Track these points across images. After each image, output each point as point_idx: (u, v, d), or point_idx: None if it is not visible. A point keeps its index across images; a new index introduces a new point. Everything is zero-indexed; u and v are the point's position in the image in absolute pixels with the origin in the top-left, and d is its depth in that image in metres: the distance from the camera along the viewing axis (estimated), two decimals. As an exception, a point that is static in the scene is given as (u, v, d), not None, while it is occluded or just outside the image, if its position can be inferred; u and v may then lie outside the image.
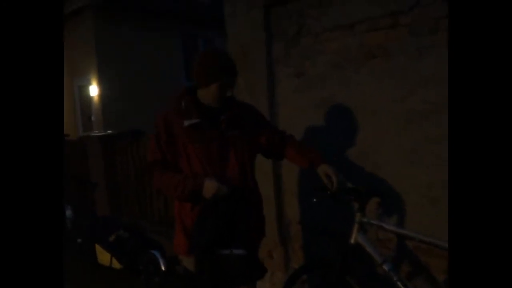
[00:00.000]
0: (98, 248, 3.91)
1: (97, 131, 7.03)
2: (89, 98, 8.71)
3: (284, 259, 2.90)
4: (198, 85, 1.92)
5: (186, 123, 1.86)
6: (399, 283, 1.92)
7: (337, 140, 2.48)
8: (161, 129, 1.89)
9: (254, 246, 2.04)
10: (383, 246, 2.31)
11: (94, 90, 8.40)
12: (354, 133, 2.39)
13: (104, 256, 3.85)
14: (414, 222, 2.18)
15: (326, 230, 2.56)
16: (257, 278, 1.91)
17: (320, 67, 2.51)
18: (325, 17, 2.44)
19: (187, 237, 1.92)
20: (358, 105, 2.35)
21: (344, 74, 2.40)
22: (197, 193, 1.81)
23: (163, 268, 3.37)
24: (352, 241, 2.04)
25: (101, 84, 8.30)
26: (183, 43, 9.67)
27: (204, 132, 1.88)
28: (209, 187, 1.78)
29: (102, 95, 8.29)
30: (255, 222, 2.02)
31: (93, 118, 8.71)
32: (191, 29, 9.74)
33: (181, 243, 1.96)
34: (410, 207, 2.20)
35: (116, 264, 3.74)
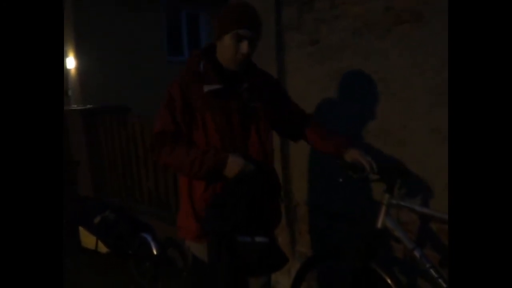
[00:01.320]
0: (82, 230, 3.63)
1: (75, 106, 6.62)
2: (66, 71, 8.20)
3: (290, 243, 2.71)
4: (215, 38, 1.68)
5: (206, 88, 1.62)
6: (432, 271, 1.74)
7: (355, 115, 2.26)
8: (177, 95, 1.63)
9: (273, 233, 1.83)
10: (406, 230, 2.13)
11: (71, 62, 7.89)
12: (375, 107, 2.17)
13: (88, 239, 3.57)
14: (441, 206, 2.00)
15: (341, 212, 2.36)
16: (279, 268, 1.69)
17: (338, 34, 2.26)
18: (345, -24, 2.19)
19: (198, 220, 1.67)
20: (382, 77, 2.13)
21: (365, 42, 2.16)
22: (217, 171, 1.57)
23: (155, 252, 3.13)
24: (379, 225, 1.84)
25: (78, 56, 7.81)
26: (167, 17, 9.19)
27: (224, 101, 1.64)
28: (234, 164, 1.56)
29: (80, 68, 7.81)
30: (274, 209, 1.81)
31: (70, 93, 8.21)
32: (175, 2, 9.26)
33: (190, 227, 1.71)
34: (437, 190, 2.01)
35: (103, 248, 3.48)
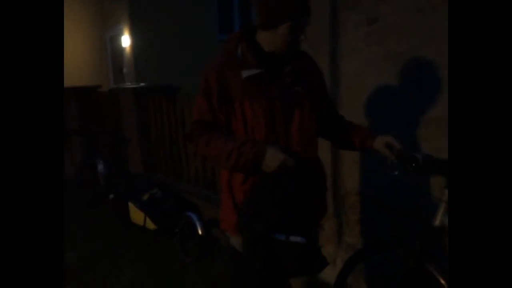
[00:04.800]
0: (131, 206, 3.72)
1: (129, 83, 6.77)
2: (121, 49, 8.41)
3: (336, 232, 2.61)
4: (263, 27, 1.51)
5: (245, 73, 1.49)
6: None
7: (414, 102, 2.09)
8: (213, 82, 1.52)
9: (314, 231, 1.73)
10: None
11: (126, 40, 8.07)
12: (438, 95, 1.99)
13: (137, 215, 3.66)
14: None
15: (392, 204, 2.23)
16: (316, 271, 1.56)
17: (399, 12, 2.08)
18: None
19: (237, 213, 1.58)
20: (445, 61, 1.93)
21: (430, 22, 1.97)
22: (255, 165, 1.46)
23: (200, 232, 3.15)
24: (437, 222, 1.70)
25: (133, 35, 7.96)
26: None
27: (265, 87, 1.51)
28: (272, 158, 1.43)
29: (134, 46, 7.97)
30: (318, 202, 1.70)
31: (124, 70, 8.43)
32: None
33: (230, 220, 1.62)
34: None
35: (150, 225, 3.55)
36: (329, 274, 2.52)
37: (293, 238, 1.45)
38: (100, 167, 4.66)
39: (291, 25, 1.45)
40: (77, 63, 8.76)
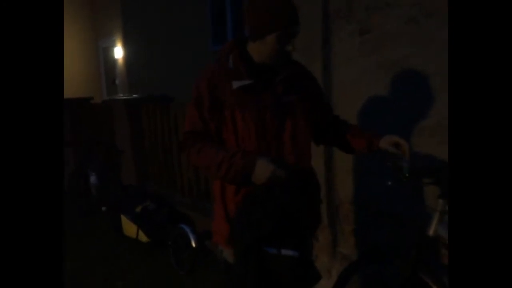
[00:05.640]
0: (123, 218, 3.68)
1: (121, 95, 6.75)
2: (113, 61, 8.41)
3: (331, 243, 2.59)
4: (251, 37, 1.51)
5: (235, 84, 1.48)
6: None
7: (409, 111, 2.09)
8: (204, 92, 1.52)
9: (308, 243, 1.70)
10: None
11: (118, 52, 8.07)
12: (432, 103, 1.99)
13: (130, 228, 3.62)
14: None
15: (388, 213, 2.22)
16: (309, 285, 1.54)
17: (392, 22, 2.09)
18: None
19: (229, 224, 1.56)
20: (438, 69, 1.95)
21: (423, 31, 1.99)
22: (245, 176, 1.43)
23: (193, 245, 3.12)
24: (431, 232, 1.68)
25: (126, 46, 7.96)
26: (212, 5, 9.16)
27: (256, 96, 1.50)
28: (262, 170, 1.40)
29: (127, 57, 7.97)
30: (312, 213, 1.67)
31: (117, 82, 8.41)
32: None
33: (222, 231, 1.60)
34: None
35: (143, 237, 3.51)
36: (325, 285, 2.49)
37: (284, 252, 1.43)
38: (93, 178, 4.62)
39: (279, 35, 1.44)
40: (70, 74, 8.72)
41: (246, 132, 1.51)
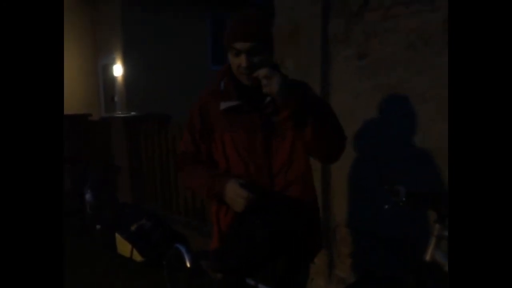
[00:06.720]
0: (118, 237, 3.64)
1: (120, 112, 6.78)
2: (112, 78, 8.47)
3: (327, 265, 2.57)
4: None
5: (223, 105, 1.51)
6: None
7: (404, 135, 2.11)
8: (195, 116, 1.56)
9: (305, 269, 1.67)
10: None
11: (118, 69, 8.15)
12: (428, 127, 2.01)
13: (124, 247, 3.58)
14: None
15: (385, 236, 2.21)
16: None
17: (389, 47, 2.13)
18: (399, -12, 2.06)
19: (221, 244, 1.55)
20: (435, 95, 1.97)
21: (419, 57, 2.02)
22: (221, 200, 1.44)
23: (188, 265, 3.07)
24: (428, 257, 1.68)
25: (125, 64, 8.04)
26: (212, 27, 9.29)
27: (246, 118, 1.51)
28: (231, 194, 1.40)
29: (126, 75, 8.03)
30: (309, 238, 1.60)
31: (116, 99, 8.47)
32: (222, 13, 9.34)
33: None
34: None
35: (137, 257, 3.47)
36: (320, 309, 2.47)
37: (262, 287, 1.41)
38: (88, 196, 4.58)
39: (231, 50, 1.45)
40: (69, 91, 8.78)
41: (235, 153, 1.52)
